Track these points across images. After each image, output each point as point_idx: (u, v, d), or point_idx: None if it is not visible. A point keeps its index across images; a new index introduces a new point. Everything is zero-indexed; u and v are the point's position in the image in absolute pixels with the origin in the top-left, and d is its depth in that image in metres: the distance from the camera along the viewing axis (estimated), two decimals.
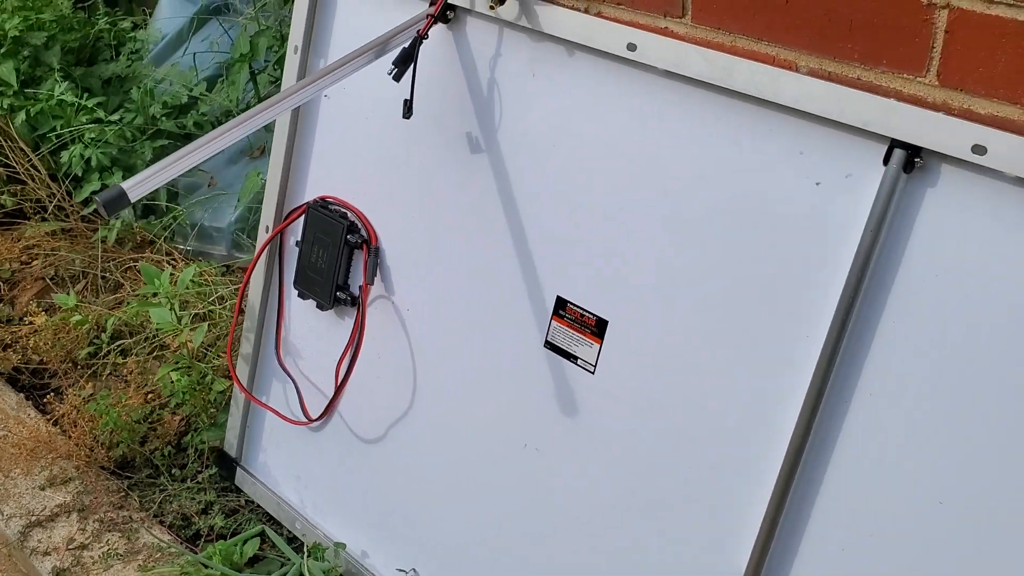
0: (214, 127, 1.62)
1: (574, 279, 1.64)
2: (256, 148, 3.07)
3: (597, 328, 1.61)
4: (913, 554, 1.31)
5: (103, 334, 2.59)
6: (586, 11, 1.57)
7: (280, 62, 2.91)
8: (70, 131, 3.03)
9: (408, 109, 1.67)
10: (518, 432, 1.75)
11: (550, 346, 1.68)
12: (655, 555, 1.57)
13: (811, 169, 1.35)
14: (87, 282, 2.86)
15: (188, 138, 3.00)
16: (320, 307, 2.00)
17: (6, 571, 2.06)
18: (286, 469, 2.19)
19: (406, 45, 1.64)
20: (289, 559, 2.04)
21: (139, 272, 2.70)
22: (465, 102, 1.73)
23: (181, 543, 2.07)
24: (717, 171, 1.44)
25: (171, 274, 2.29)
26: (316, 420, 2.06)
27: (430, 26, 1.65)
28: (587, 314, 1.62)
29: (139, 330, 2.56)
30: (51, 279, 2.89)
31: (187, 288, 2.41)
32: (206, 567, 1.98)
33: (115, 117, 3.08)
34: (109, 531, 2.07)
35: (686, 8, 1.46)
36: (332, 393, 2.02)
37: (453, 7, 1.72)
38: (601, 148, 1.57)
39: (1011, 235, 1.20)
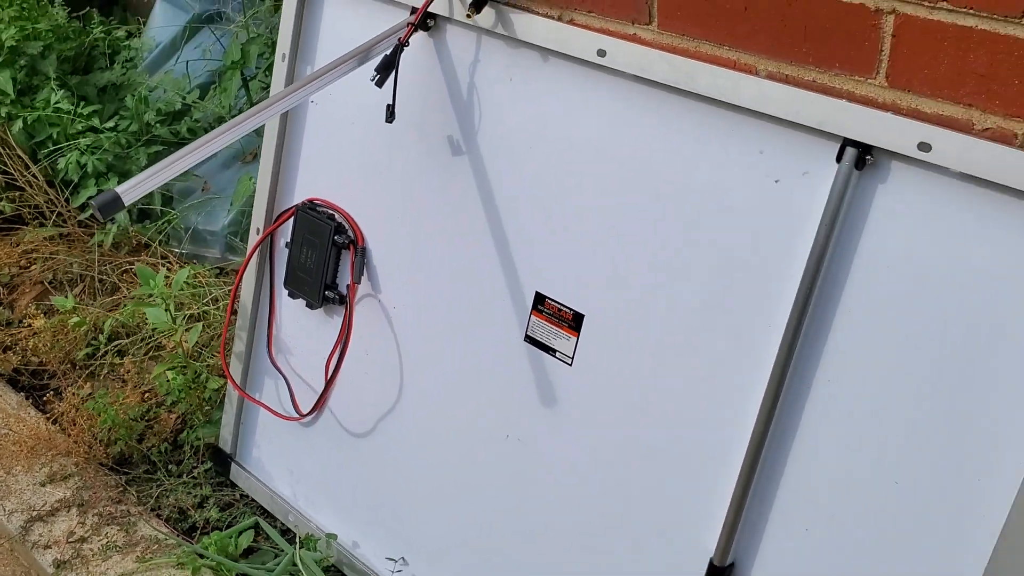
0: (207, 133, 1.68)
1: (552, 275, 1.71)
2: (248, 153, 3.14)
3: (574, 322, 1.68)
4: (873, 531, 1.38)
5: (101, 335, 2.65)
6: (559, 19, 1.64)
7: (271, 69, 2.98)
8: (68, 140, 3.10)
9: (391, 114, 1.73)
10: (500, 423, 1.82)
11: (530, 340, 1.75)
12: (629, 537, 1.64)
13: (770, 167, 1.42)
14: (85, 285, 2.93)
15: (182, 144, 3.07)
16: (309, 306, 2.07)
17: (8, 564, 2.13)
18: (279, 464, 2.26)
19: (388, 52, 1.71)
20: (282, 550, 2.11)
21: (135, 275, 2.77)
22: (446, 106, 1.80)
23: (178, 535, 2.14)
24: (682, 170, 1.51)
25: (166, 276, 2.36)
26: (307, 416, 2.13)
27: (411, 34, 1.72)
28: (564, 308, 1.69)
29: (135, 331, 2.62)
30: (49, 283, 2.95)
31: (182, 289, 2.47)
32: (202, 557, 2.05)
33: (110, 124, 3.16)
34: (108, 524, 2.13)
35: (652, 16, 1.53)
36: (322, 389, 2.09)
37: (433, 15, 1.79)
38: (575, 150, 1.64)
39: (956, 228, 1.27)
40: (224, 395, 2.35)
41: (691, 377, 1.54)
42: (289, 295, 2.11)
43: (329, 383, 2.07)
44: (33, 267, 3.00)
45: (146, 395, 2.47)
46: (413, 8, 1.78)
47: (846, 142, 1.32)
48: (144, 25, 3.65)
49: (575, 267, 1.67)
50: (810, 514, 1.44)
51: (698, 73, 1.46)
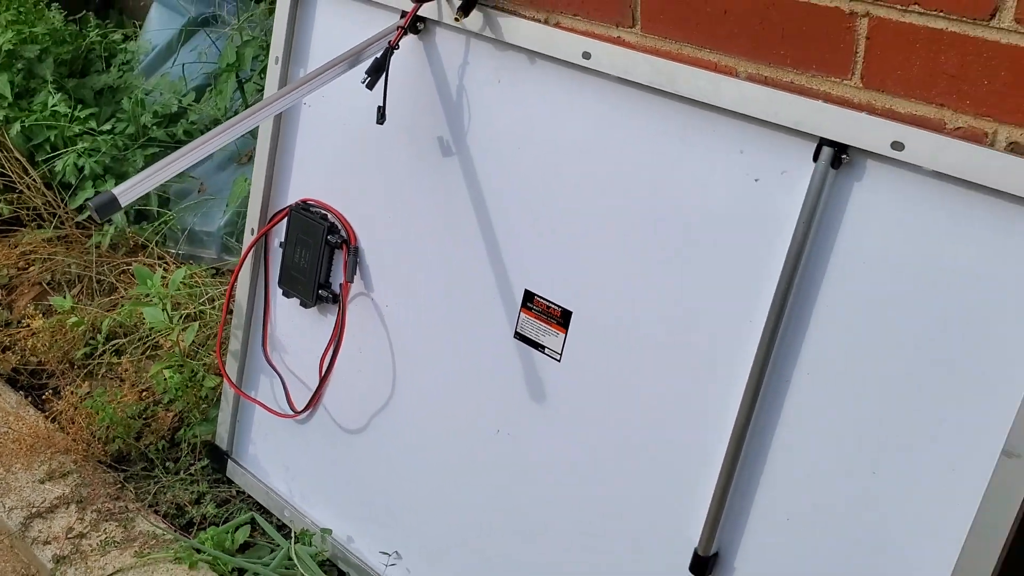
0: (203, 135, 1.71)
1: (540, 273, 1.74)
2: (244, 155, 3.17)
3: (562, 319, 1.72)
4: (851, 520, 1.42)
5: (98, 335, 2.69)
6: (545, 22, 1.67)
7: (266, 71, 3.01)
8: (65, 143, 3.14)
9: (381, 115, 1.77)
10: (491, 419, 1.85)
11: (520, 337, 1.78)
12: (617, 528, 1.68)
13: (750, 167, 1.46)
14: (83, 286, 2.97)
15: (178, 146, 3.10)
16: (303, 305, 2.10)
17: (8, 560, 2.16)
18: (275, 460, 2.30)
19: (378, 55, 1.75)
20: (278, 545, 2.15)
21: (132, 275, 2.80)
22: (436, 108, 1.84)
23: (175, 531, 2.18)
24: (666, 170, 1.55)
25: (162, 276, 2.39)
26: (302, 413, 2.17)
27: (400, 37, 1.76)
28: (553, 306, 1.73)
29: (133, 330, 2.66)
30: (48, 284, 2.99)
31: (178, 289, 2.51)
32: (199, 552, 2.08)
33: (107, 127, 3.19)
34: (106, 520, 2.17)
35: (636, 19, 1.57)
36: (316, 387, 2.12)
37: (423, 19, 1.82)
38: (561, 150, 1.67)
39: (929, 224, 1.30)
40: (220, 393, 2.38)
41: (674, 372, 1.57)
42: (284, 294, 2.15)
43: (323, 381, 2.11)
44: (32, 268, 3.04)
45: (143, 394, 2.51)
46: (403, 12, 1.82)
47: (822, 142, 1.36)
48: (140, 28, 3.68)
49: (563, 265, 1.70)
50: (791, 504, 1.48)
51: (680, 75, 1.49)
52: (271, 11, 3.12)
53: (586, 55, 1.59)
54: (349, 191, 2.02)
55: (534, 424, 1.78)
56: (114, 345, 2.67)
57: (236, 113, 3.13)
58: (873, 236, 1.35)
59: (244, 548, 2.18)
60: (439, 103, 1.83)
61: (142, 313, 2.47)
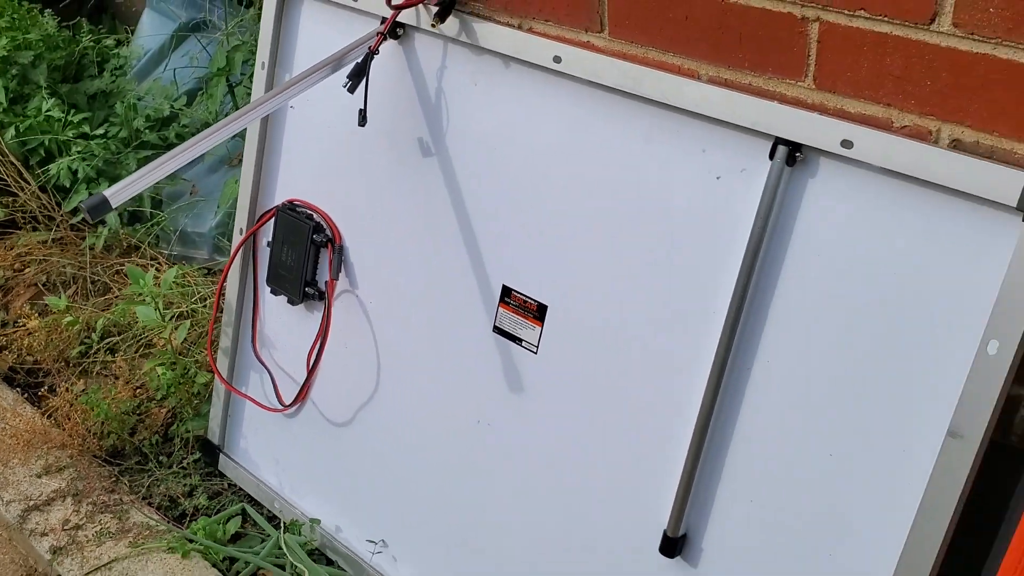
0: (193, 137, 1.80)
1: (518, 269, 1.81)
2: (235, 157, 3.24)
3: (538, 312, 1.79)
4: (810, 500, 1.48)
5: (93, 334, 2.76)
6: (519, 27, 1.74)
7: None
8: (59, 147, 3.20)
9: (363, 118, 1.84)
10: (472, 410, 1.92)
11: (498, 331, 1.85)
12: (591, 512, 1.75)
13: (712, 165, 1.53)
14: (77, 286, 3.03)
15: (171, 149, 3.17)
16: (291, 302, 2.17)
17: (7, 552, 2.23)
18: (264, 453, 2.36)
19: (359, 60, 1.82)
20: (269, 535, 2.21)
21: (126, 275, 2.87)
22: (416, 111, 1.91)
23: (168, 522, 2.24)
24: (633, 169, 1.61)
25: (155, 275, 2.46)
26: (290, 407, 2.24)
27: (381, 42, 1.82)
28: (529, 300, 1.80)
29: (127, 329, 2.72)
30: (43, 285, 3.05)
31: (170, 289, 2.58)
32: (191, 542, 2.15)
33: (100, 131, 3.26)
34: (101, 513, 2.23)
35: (604, 24, 1.64)
36: (303, 381, 2.19)
37: (402, 25, 1.89)
38: (536, 150, 1.74)
39: (877, 217, 1.37)
40: (212, 389, 2.45)
41: (644, 361, 1.64)
42: (272, 292, 2.22)
43: (310, 375, 2.17)
44: (27, 270, 3.10)
45: (137, 391, 2.57)
46: (384, 18, 1.88)
47: (778, 141, 1.43)
48: (132, 34, 3.75)
49: (539, 261, 1.77)
50: (753, 486, 1.55)
51: (645, 78, 1.56)
52: (260, 16, 3.18)
53: (557, 59, 1.66)
54: (334, 191, 2.08)
55: (512, 414, 1.85)
56: (108, 343, 2.73)
57: (226, 116, 3.19)
58: (826, 229, 1.42)
59: (235, 539, 2.24)
60: (419, 106, 1.90)
61: (135, 312, 2.53)
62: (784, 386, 1.49)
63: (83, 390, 2.58)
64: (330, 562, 2.19)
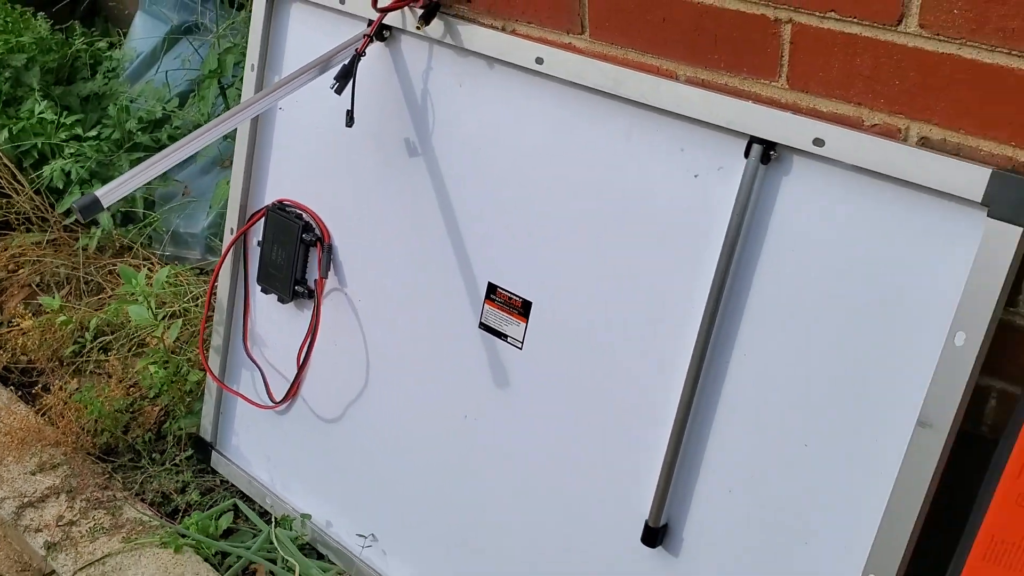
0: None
1: (502, 266, 1.85)
2: (227, 158, 3.27)
3: (523, 309, 1.82)
4: (786, 489, 1.52)
5: (86, 333, 2.79)
6: (502, 29, 1.78)
7: None
8: (53, 149, 3.24)
9: (350, 118, 1.87)
10: (459, 405, 1.96)
11: (484, 327, 1.89)
12: (575, 503, 1.78)
13: (690, 163, 1.57)
14: (71, 287, 3.06)
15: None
16: (281, 300, 2.21)
17: (2, 548, 2.26)
18: (256, 450, 2.40)
19: (346, 62, 1.85)
20: (260, 530, 2.25)
21: (119, 276, 2.90)
22: (402, 111, 1.94)
23: (161, 517, 2.28)
24: (614, 168, 1.65)
25: (147, 275, 2.49)
26: (281, 404, 2.27)
27: (367, 45, 1.86)
28: (514, 297, 1.83)
29: (120, 328, 2.76)
30: (37, 285, 3.08)
31: (162, 288, 2.61)
32: (184, 537, 2.18)
33: (93, 133, 3.29)
34: (95, 509, 2.27)
35: (585, 26, 1.67)
36: (293, 378, 2.23)
37: (389, 28, 1.93)
38: (519, 150, 1.78)
39: (849, 213, 1.41)
40: (204, 387, 2.48)
41: (625, 355, 1.68)
42: (262, 291, 2.25)
43: (300, 373, 2.21)
44: (21, 270, 3.13)
45: (131, 389, 2.60)
46: (370, 20, 1.92)
47: (752, 139, 1.47)
48: (125, 37, 3.78)
49: (524, 258, 1.81)
50: (731, 477, 1.58)
51: (625, 79, 1.60)
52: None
53: (539, 60, 1.70)
54: (322, 191, 2.12)
55: (498, 409, 1.89)
56: (101, 343, 2.77)
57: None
58: (800, 225, 1.46)
59: (227, 534, 2.28)
60: (405, 106, 1.93)
61: (128, 312, 2.57)
62: (760, 379, 1.53)
63: (77, 388, 2.61)
64: (321, 556, 2.22)
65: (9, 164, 3.26)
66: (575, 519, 1.79)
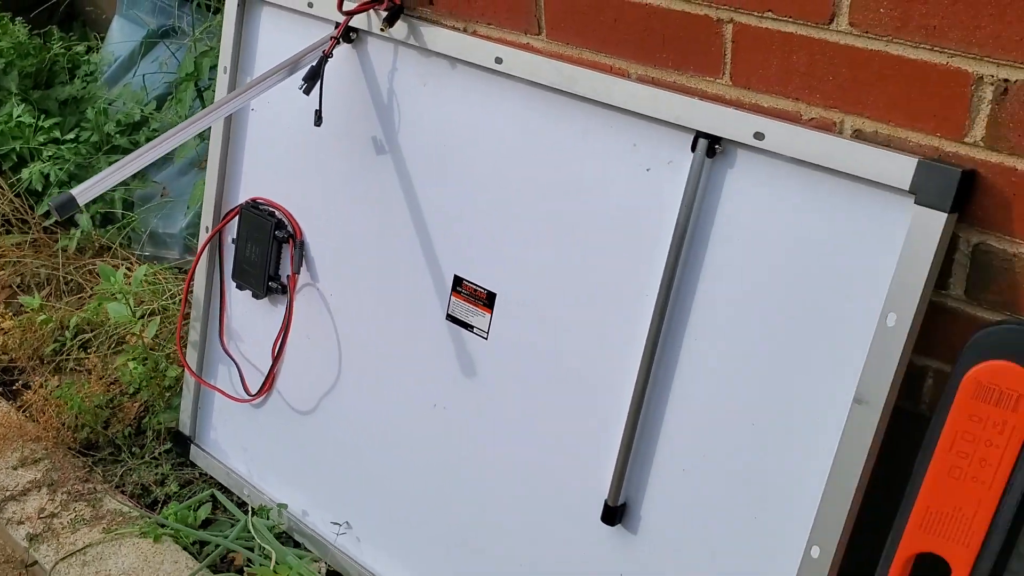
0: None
1: (468, 259, 1.92)
2: (204, 160, 3.33)
3: (488, 300, 1.89)
4: (736, 466, 1.60)
5: (67, 331, 2.84)
6: (463, 30, 1.85)
7: None
8: (32, 152, 3.29)
9: (318, 118, 1.94)
10: (428, 394, 2.02)
11: (451, 318, 1.96)
12: (539, 485, 1.85)
13: (642, 158, 1.64)
14: (51, 287, 3.12)
15: None
16: (255, 296, 2.27)
17: None
18: (233, 443, 2.46)
19: (314, 63, 1.92)
20: (238, 520, 2.31)
21: (99, 275, 2.95)
22: (369, 110, 2.01)
23: (141, 508, 2.33)
24: (571, 163, 1.72)
25: (125, 273, 2.55)
26: (257, 397, 2.33)
27: (334, 47, 1.93)
28: (479, 288, 1.90)
29: (99, 327, 2.81)
30: (17, 286, 3.14)
31: (140, 286, 2.67)
32: (163, 527, 2.24)
33: (71, 136, 3.34)
34: (76, 501, 2.32)
35: (541, 27, 1.75)
36: (268, 372, 2.29)
37: (356, 30, 1.99)
38: (481, 147, 1.85)
39: (789, 203, 1.49)
40: (182, 382, 2.54)
41: (585, 342, 1.75)
42: (237, 287, 2.31)
43: (274, 366, 2.27)
44: (2, 271, 3.18)
45: (111, 386, 2.66)
46: (338, 23, 1.98)
47: (699, 134, 1.54)
48: (102, 41, 3.83)
49: (487, 251, 1.88)
50: (685, 457, 1.66)
51: (580, 77, 1.67)
52: None
53: (498, 60, 1.77)
54: (294, 189, 2.18)
55: (466, 397, 1.96)
56: (81, 340, 2.82)
57: None
58: (745, 215, 1.54)
59: (206, 524, 2.33)
60: (372, 106, 2.00)
61: (107, 310, 2.62)
62: (709, 361, 1.60)
63: (57, 386, 2.66)
64: (297, 544, 2.28)
65: None
66: (538, 500, 1.86)
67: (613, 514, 1.73)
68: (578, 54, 1.71)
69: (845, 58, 1.40)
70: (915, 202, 1.35)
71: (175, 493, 2.40)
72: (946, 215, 1.33)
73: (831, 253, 1.45)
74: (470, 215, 1.89)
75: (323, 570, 2.20)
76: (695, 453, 1.65)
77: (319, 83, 1.91)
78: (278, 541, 2.23)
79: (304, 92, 1.89)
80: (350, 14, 1.92)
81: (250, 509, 2.32)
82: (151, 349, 2.61)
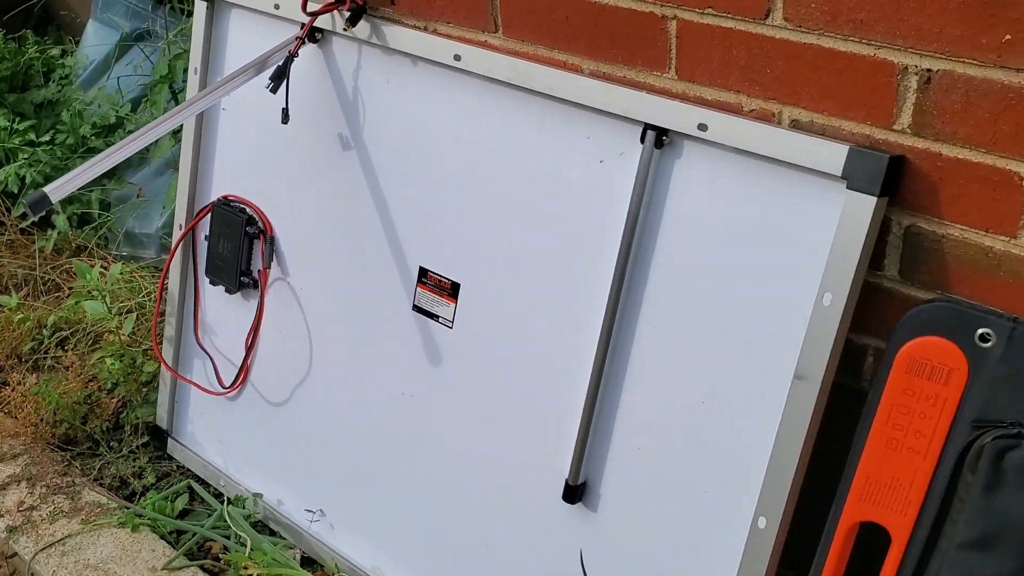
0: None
1: (433, 251, 1.98)
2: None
3: (452, 290, 1.96)
4: (688, 443, 1.67)
5: (44, 330, 2.89)
6: (424, 29, 1.92)
7: None
8: (7, 155, 3.33)
9: (285, 116, 2.00)
10: (396, 383, 2.09)
11: (417, 309, 2.02)
12: (504, 467, 1.92)
13: (596, 150, 1.71)
14: (29, 287, 3.16)
15: None
16: (228, 291, 2.33)
17: None
18: (209, 435, 2.51)
19: (280, 63, 1.98)
20: (215, 510, 2.36)
21: (76, 275, 3.00)
22: (335, 108, 2.07)
23: (119, 500, 2.39)
24: (528, 157, 1.79)
25: (101, 271, 2.60)
26: (231, 390, 2.39)
27: (299, 47, 1.99)
28: (444, 279, 1.97)
29: (76, 324, 2.86)
30: None
31: (116, 284, 2.72)
32: (140, 517, 2.30)
33: (47, 138, 3.39)
34: (55, 494, 2.37)
35: (498, 25, 1.81)
36: (241, 365, 2.35)
37: (321, 30, 2.06)
38: (443, 142, 1.92)
39: (732, 190, 1.56)
40: (159, 377, 2.59)
41: (545, 329, 1.82)
42: (211, 283, 2.37)
43: (246, 359, 2.33)
44: None
45: (89, 383, 2.71)
46: (303, 23, 2.05)
47: (647, 126, 1.61)
48: (77, 44, 3.87)
49: (451, 243, 1.94)
50: (640, 436, 1.73)
51: (535, 73, 1.74)
52: None
53: (457, 57, 1.84)
54: (264, 186, 2.24)
55: (433, 385, 2.02)
56: (58, 338, 2.87)
57: None
58: (691, 203, 1.61)
59: (183, 515, 2.39)
60: (337, 103, 2.06)
61: (84, 307, 2.67)
62: (661, 342, 1.67)
63: (35, 383, 2.71)
64: (273, 532, 2.34)
65: None
66: (503, 481, 1.92)
67: (574, 492, 1.80)
68: (533, 51, 1.78)
69: (781, 51, 1.48)
70: (847, 187, 1.43)
71: (153, 485, 2.46)
72: (875, 199, 1.40)
73: (771, 237, 1.53)
74: (433, 208, 1.96)
75: (298, 556, 2.26)
76: (649, 431, 1.72)
77: (286, 82, 1.97)
78: (254, 529, 2.28)
79: (271, 91, 1.95)
80: (314, 15, 1.98)
81: (226, 499, 2.38)
82: (128, 346, 2.67)
